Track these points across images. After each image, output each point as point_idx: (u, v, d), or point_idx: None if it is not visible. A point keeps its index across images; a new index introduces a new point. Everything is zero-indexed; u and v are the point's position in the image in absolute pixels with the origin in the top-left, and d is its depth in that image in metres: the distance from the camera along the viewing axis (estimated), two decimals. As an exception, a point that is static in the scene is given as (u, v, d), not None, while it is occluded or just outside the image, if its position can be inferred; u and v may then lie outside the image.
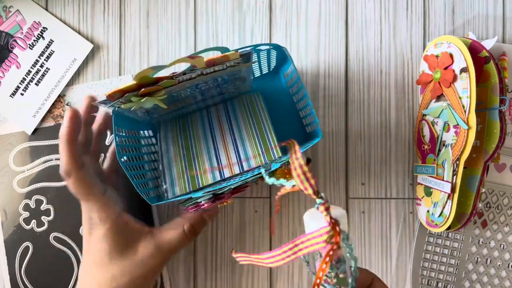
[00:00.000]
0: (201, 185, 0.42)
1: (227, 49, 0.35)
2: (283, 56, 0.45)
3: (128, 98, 0.34)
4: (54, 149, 0.50)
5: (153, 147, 0.47)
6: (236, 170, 0.42)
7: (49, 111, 0.50)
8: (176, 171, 0.44)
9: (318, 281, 0.27)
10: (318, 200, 0.27)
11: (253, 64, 0.44)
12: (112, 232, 0.39)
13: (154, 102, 0.35)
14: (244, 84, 0.44)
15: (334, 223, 0.26)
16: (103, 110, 0.44)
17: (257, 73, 0.48)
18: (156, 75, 0.34)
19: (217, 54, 0.34)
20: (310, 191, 0.26)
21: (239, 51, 0.35)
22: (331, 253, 0.26)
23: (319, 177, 0.49)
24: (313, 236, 0.26)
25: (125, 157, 0.39)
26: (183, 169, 0.43)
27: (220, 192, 0.39)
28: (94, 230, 0.39)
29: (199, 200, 0.39)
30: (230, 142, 0.45)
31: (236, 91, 0.46)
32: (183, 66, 0.34)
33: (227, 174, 0.42)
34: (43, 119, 0.50)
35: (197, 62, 0.33)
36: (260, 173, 0.38)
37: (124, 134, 0.40)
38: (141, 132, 0.46)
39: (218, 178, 0.42)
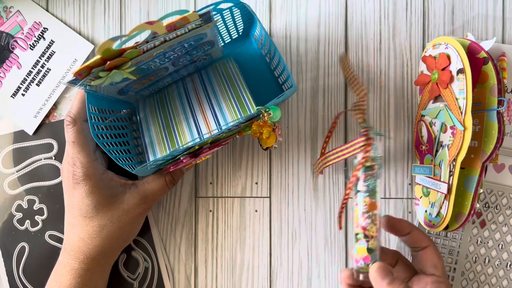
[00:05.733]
0: (180, 146, 0.44)
1: (187, 12, 0.34)
2: (249, 16, 0.44)
3: (96, 74, 0.34)
4: (42, 149, 0.50)
5: (135, 125, 0.48)
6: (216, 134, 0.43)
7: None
8: (158, 148, 0.45)
9: (353, 178, 0.38)
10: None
11: (220, 28, 0.44)
12: (97, 187, 0.41)
13: (123, 74, 0.35)
14: (214, 49, 0.44)
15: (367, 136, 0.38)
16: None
17: (227, 39, 0.48)
18: (121, 48, 0.33)
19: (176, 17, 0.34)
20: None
21: (199, 11, 0.35)
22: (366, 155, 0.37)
23: (319, 176, 0.50)
24: (351, 145, 0.40)
25: (101, 134, 0.40)
26: (165, 144, 0.45)
27: (198, 148, 0.40)
28: (79, 185, 0.41)
29: (178, 158, 0.40)
30: (208, 110, 0.45)
31: (208, 58, 0.46)
32: (147, 36, 0.34)
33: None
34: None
35: (157, 28, 0.33)
36: (239, 125, 0.40)
37: (97, 112, 0.41)
38: (122, 111, 0.47)
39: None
